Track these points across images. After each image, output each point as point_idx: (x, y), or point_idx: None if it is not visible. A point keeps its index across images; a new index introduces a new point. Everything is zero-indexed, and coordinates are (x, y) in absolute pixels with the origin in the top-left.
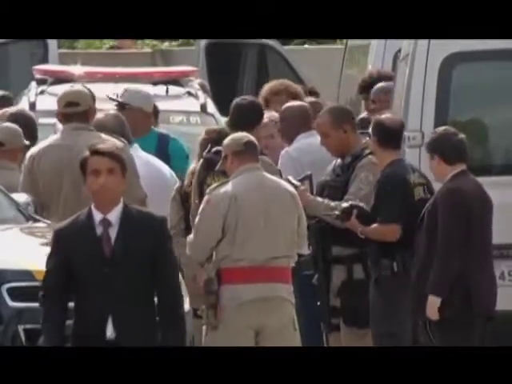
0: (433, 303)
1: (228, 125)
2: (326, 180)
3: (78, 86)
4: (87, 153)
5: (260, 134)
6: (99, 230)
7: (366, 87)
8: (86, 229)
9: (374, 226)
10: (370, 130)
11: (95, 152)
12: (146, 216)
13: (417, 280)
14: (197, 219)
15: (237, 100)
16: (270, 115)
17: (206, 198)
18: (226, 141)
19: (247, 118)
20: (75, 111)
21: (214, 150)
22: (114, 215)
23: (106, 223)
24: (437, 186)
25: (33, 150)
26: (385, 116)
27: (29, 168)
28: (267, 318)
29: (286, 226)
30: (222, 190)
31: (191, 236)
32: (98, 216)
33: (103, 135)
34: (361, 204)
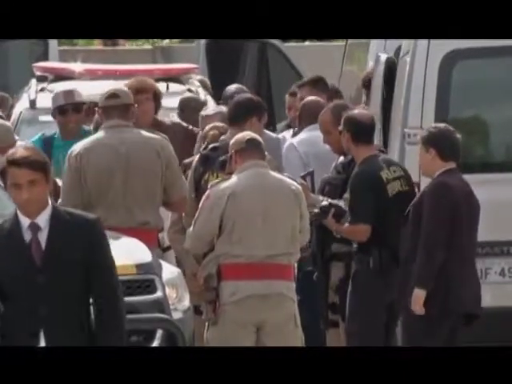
0: (418, 296)
1: (227, 120)
2: (327, 177)
3: (120, 84)
4: (5, 162)
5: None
6: (27, 236)
7: (369, 82)
8: (13, 235)
9: (346, 225)
10: (341, 127)
11: (13, 162)
12: (78, 218)
13: (402, 274)
14: (197, 213)
15: (236, 96)
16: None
17: (206, 192)
18: (231, 141)
19: (237, 111)
20: (114, 104)
21: (210, 146)
22: (43, 218)
23: (34, 228)
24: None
25: (76, 148)
26: (356, 111)
27: (75, 166)
28: (267, 314)
29: (287, 224)
30: (222, 186)
31: (190, 228)
32: (25, 221)
33: (145, 132)
34: (340, 203)
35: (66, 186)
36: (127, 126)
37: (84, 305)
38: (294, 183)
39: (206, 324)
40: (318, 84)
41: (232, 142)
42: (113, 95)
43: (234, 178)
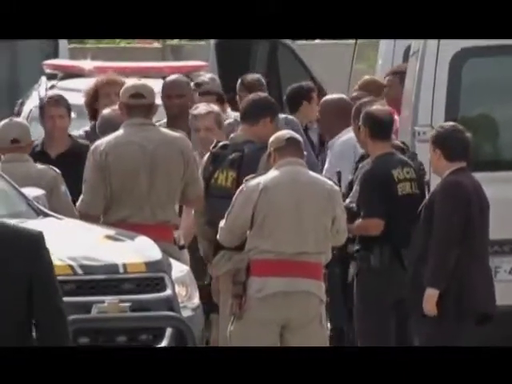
0: (430, 296)
1: (240, 119)
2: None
3: (143, 80)
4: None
5: (199, 125)
6: None
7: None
8: None
9: (358, 221)
10: (360, 122)
11: None
12: (21, 233)
13: (413, 274)
14: (230, 206)
15: (251, 95)
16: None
17: (241, 186)
18: (271, 139)
19: (251, 110)
20: (140, 103)
21: (220, 144)
22: None
23: None
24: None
25: (100, 146)
26: (375, 107)
27: (100, 164)
28: (292, 312)
29: (319, 223)
30: (256, 180)
31: (223, 221)
32: None
33: (168, 131)
34: (351, 205)
35: (90, 183)
36: (150, 125)
37: (25, 328)
38: (331, 183)
39: (231, 318)
40: (254, 87)
41: (272, 139)
42: (138, 95)
43: (268, 174)
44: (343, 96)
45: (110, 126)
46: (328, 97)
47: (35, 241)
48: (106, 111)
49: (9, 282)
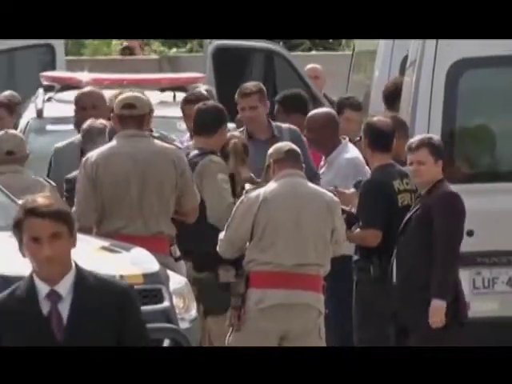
0: (438, 308)
1: (192, 130)
2: None
3: (137, 92)
4: (21, 212)
5: None
6: (46, 307)
7: (389, 95)
8: (28, 305)
9: (356, 230)
10: (361, 133)
11: (32, 212)
12: (106, 285)
13: (402, 283)
14: (230, 218)
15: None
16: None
17: (241, 198)
18: (269, 151)
19: (208, 122)
20: (132, 114)
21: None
22: (65, 286)
23: (54, 297)
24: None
25: (91, 157)
26: (376, 118)
27: (91, 175)
28: (290, 324)
29: (318, 235)
30: (256, 192)
31: (222, 233)
32: (43, 288)
33: (161, 142)
34: (352, 210)
35: (81, 195)
36: (143, 136)
37: None
38: (330, 194)
39: (230, 329)
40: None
41: (270, 151)
42: (129, 105)
43: (268, 185)
44: (329, 110)
45: (89, 137)
46: (315, 111)
47: (124, 295)
48: (86, 124)
49: (97, 333)
